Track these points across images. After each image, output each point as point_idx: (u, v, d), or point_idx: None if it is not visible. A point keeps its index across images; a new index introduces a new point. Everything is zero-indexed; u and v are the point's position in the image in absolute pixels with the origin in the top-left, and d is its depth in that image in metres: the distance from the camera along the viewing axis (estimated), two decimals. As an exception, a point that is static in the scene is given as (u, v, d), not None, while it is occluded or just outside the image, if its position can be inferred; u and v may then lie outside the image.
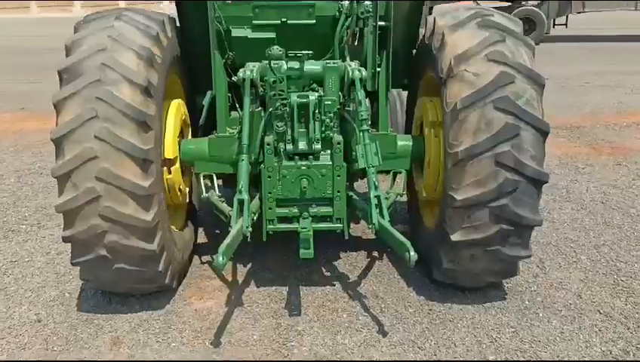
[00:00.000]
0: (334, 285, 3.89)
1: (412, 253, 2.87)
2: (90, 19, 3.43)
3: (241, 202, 3.19)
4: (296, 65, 3.52)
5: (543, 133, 3.20)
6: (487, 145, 3.14)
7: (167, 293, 3.74)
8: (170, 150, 3.59)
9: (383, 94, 3.84)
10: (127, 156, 3.07)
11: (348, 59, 3.73)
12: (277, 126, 3.44)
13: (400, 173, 3.86)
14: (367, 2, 3.63)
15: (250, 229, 3.19)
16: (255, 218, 3.42)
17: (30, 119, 8.83)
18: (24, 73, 13.28)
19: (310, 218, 3.52)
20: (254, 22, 3.75)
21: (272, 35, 3.77)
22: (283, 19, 3.73)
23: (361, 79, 3.44)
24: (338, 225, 3.56)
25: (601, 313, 3.53)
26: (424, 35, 3.77)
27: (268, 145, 3.44)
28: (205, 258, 4.27)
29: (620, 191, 5.58)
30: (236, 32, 3.77)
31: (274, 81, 3.44)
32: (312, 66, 3.63)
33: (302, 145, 3.48)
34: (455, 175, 3.25)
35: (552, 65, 12.92)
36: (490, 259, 3.38)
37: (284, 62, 3.47)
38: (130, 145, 3.06)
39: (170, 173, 3.62)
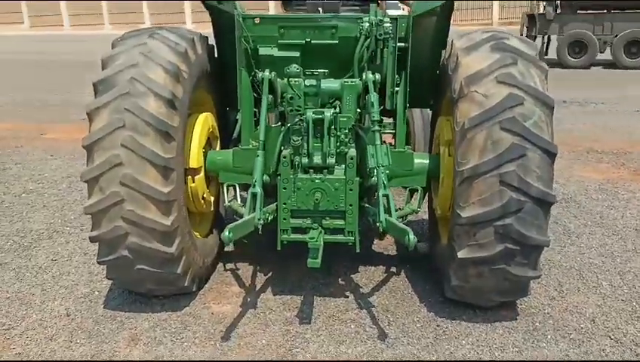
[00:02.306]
0: (347, 297, 4.00)
1: (411, 236, 2.99)
2: (127, 37, 3.70)
3: (254, 195, 3.38)
4: (313, 82, 3.69)
5: (551, 154, 3.23)
6: (492, 164, 3.20)
7: (188, 296, 3.94)
8: (194, 160, 3.81)
9: (400, 113, 3.95)
10: (149, 163, 3.30)
11: (367, 72, 3.85)
12: (293, 140, 3.61)
13: (417, 190, 3.96)
14: (386, 24, 3.77)
15: (262, 222, 3.35)
16: (269, 219, 3.59)
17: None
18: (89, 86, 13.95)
19: (322, 229, 3.66)
20: (280, 41, 3.95)
21: (297, 53, 3.96)
22: (307, 39, 3.92)
23: (374, 82, 3.60)
24: (350, 238, 3.68)
25: (611, 338, 3.50)
26: (444, 57, 3.87)
27: (284, 157, 3.60)
28: (229, 265, 4.46)
29: (657, 219, 5.46)
30: (263, 51, 3.97)
31: (291, 98, 3.61)
32: (330, 84, 3.79)
33: (316, 159, 3.63)
34: (462, 193, 3.32)
35: (603, 89, 12.68)
36: (496, 278, 3.41)
37: (302, 79, 3.65)
38: (152, 153, 3.29)
39: (194, 181, 3.84)
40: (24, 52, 25.88)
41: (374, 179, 3.80)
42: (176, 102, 3.44)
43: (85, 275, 4.33)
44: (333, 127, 3.64)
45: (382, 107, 4.05)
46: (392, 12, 5.77)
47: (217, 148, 4.29)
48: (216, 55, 4.24)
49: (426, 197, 4.25)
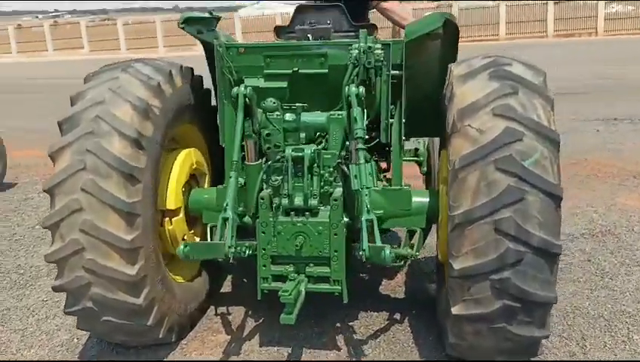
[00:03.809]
0: (340, 350, 3.64)
1: (387, 251, 2.92)
2: (101, 71, 3.49)
3: (225, 220, 3.15)
4: (295, 116, 3.38)
5: (555, 198, 2.80)
6: (486, 209, 2.80)
7: (170, 345, 3.67)
8: (171, 200, 3.56)
9: (396, 147, 3.59)
10: (111, 208, 3.05)
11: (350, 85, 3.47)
12: (272, 180, 3.31)
13: (415, 231, 3.57)
14: (377, 51, 3.42)
15: (233, 250, 3.14)
16: (246, 253, 3.37)
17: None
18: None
19: (305, 278, 3.32)
20: (266, 71, 3.66)
21: (284, 84, 3.66)
22: (295, 69, 3.62)
23: (357, 95, 3.26)
24: (336, 287, 3.33)
25: (636, 409, 3.01)
26: (445, 85, 3.50)
27: (262, 199, 3.30)
28: (221, 309, 4.17)
29: None
30: (248, 82, 3.69)
31: (268, 134, 3.32)
32: (316, 118, 3.48)
33: (298, 200, 3.31)
34: (454, 241, 2.93)
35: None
36: (496, 338, 2.99)
37: (281, 113, 3.35)
38: (113, 198, 3.05)
39: (171, 223, 3.58)
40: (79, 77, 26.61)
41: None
42: (144, 141, 3.20)
43: (70, 319, 4.10)
44: (316, 164, 3.33)
45: (377, 140, 3.71)
46: None
47: (206, 186, 4.03)
48: (204, 86, 3.99)
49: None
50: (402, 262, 3.47)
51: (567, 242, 5.22)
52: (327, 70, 3.60)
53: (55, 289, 3.24)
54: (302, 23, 3.89)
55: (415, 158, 4.82)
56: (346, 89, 3.32)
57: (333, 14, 3.87)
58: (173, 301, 3.53)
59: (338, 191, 3.32)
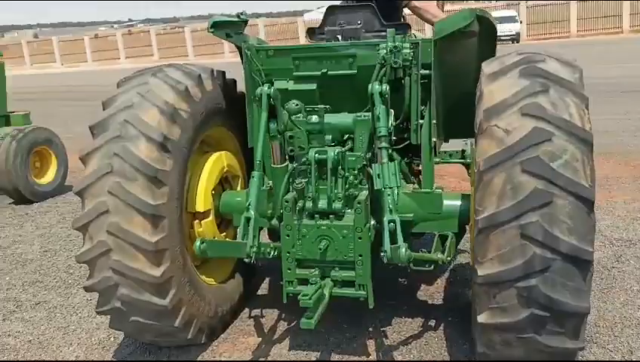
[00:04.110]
0: (370, 355, 3.56)
1: (402, 250, 2.89)
2: (133, 76, 3.56)
3: (247, 219, 3.18)
4: (320, 119, 3.34)
5: (587, 201, 2.63)
6: (511, 213, 2.67)
7: (200, 346, 3.69)
8: (200, 203, 3.59)
9: (426, 148, 3.48)
10: (136, 211, 3.10)
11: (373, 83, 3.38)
12: (296, 182, 3.28)
13: (448, 236, 3.45)
14: (405, 50, 3.34)
15: (255, 249, 3.17)
16: (271, 254, 3.40)
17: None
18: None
19: (331, 282, 3.27)
20: (295, 73, 3.64)
21: (313, 86, 3.63)
22: (324, 70, 3.58)
23: (380, 93, 3.21)
24: (361, 292, 3.26)
25: None
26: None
27: (286, 201, 3.27)
28: (256, 311, 4.17)
29: None
30: (278, 85, 3.68)
31: (290, 136, 3.29)
32: (342, 119, 3.43)
33: (322, 203, 3.26)
34: (479, 246, 2.81)
35: None
36: (526, 348, 2.84)
37: (304, 115, 3.32)
38: (139, 201, 3.09)
39: (201, 226, 3.60)
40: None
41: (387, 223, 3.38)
42: (170, 145, 3.23)
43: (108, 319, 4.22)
44: (340, 167, 3.27)
45: (408, 141, 3.61)
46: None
47: (239, 189, 4.04)
48: (238, 90, 4.00)
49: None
50: (432, 267, 3.35)
51: (624, 248, 4.94)
52: (356, 71, 3.54)
53: (86, 289, 3.32)
54: (332, 24, 3.84)
55: (462, 160, 4.69)
56: (370, 87, 3.25)
57: (364, 14, 3.80)
58: (202, 303, 3.55)
59: (363, 193, 3.25)
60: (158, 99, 3.28)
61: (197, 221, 3.62)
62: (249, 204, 3.24)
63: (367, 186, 3.33)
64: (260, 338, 3.84)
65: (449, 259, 3.41)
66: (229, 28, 3.62)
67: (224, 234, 3.88)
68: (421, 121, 3.50)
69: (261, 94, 3.38)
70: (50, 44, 54.97)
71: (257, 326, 3.99)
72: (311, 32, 4.05)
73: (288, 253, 3.31)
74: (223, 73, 3.86)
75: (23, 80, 32.71)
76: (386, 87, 3.24)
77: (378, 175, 3.10)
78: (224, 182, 3.97)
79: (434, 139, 3.49)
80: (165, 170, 3.19)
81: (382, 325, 3.89)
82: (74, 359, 3.73)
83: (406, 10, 4.53)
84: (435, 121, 3.49)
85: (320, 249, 3.23)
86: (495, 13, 39.61)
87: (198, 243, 2.96)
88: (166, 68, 3.57)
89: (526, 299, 2.70)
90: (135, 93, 3.33)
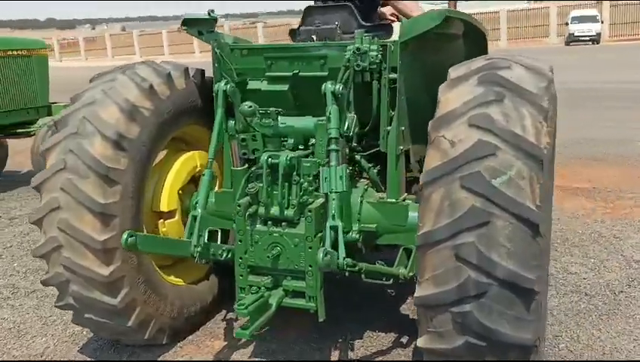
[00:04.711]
0: (329, 369, 3.43)
1: (339, 258, 2.77)
2: (105, 73, 3.57)
3: (194, 217, 3.14)
4: (279, 121, 3.23)
5: (530, 224, 2.39)
6: (447, 232, 2.46)
7: (165, 346, 3.67)
8: (164, 202, 3.56)
9: (392, 156, 3.29)
10: (86, 209, 3.09)
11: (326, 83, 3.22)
12: (249, 187, 3.18)
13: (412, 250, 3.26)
14: (372, 53, 3.16)
15: (199, 250, 3.14)
16: (224, 256, 3.33)
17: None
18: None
19: (281, 292, 3.16)
20: (267, 73, 3.54)
21: (285, 87, 3.52)
22: (295, 71, 3.45)
23: (333, 92, 3.06)
24: (311, 304, 3.12)
25: None
26: None
27: (239, 206, 3.18)
28: (232, 314, 4.10)
29: None
30: (251, 85, 3.60)
31: (243, 139, 3.19)
32: (301, 123, 3.30)
33: (274, 209, 3.15)
34: (418, 265, 2.62)
35: None
36: (467, 378, 2.63)
37: (258, 117, 3.21)
38: (88, 199, 3.08)
39: (165, 226, 3.57)
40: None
41: (354, 234, 3.23)
42: (127, 143, 3.20)
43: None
44: (295, 173, 3.15)
45: (378, 148, 3.43)
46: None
47: (216, 189, 3.98)
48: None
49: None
50: (390, 281, 3.18)
51: (634, 273, 4.55)
52: (327, 73, 3.40)
53: (43, 283, 3.35)
54: (309, 24, 3.71)
55: None
56: (323, 87, 3.10)
57: (342, 15, 3.65)
58: (162, 303, 3.51)
59: (318, 201, 3.11)
60: (119, 97, 3.27)
61: (162, 220, 3.59)
62: (196, 203, 3.19)
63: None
64: (226, 343, 3.77)
65: (411, 274, 3.22)
66: (200, 26, 3.56)
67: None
68: (389, 128, 3.31)
69: (217, 91, 3.29)
70: (132, 37, 57.15)
71: (228, 330, 3.92)
72: (293, 32, 3.94)
73: (240, 258, 3.22)
74: (202, 71, 3.81)
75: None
76: (340, 86, 3.09)
77: (325, 178, 2.96)
78: (198, 182, 3.91)
79: (401, 147, 3.30)
80: (119, 168, 3.17)
81: (352, 337, 3.74)
82: (43, 350, 3.79)
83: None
84: (403, 128, 3.30)
85: (271, 257, 3.13)
86: (574, 13, 37.95)
87: (125, 235, 2.87)
88: (139, 65, 3.56)
89: (460, 326, 2.49)
90: (99, 90, 3.33)
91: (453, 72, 2.89)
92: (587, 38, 35.87)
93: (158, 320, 3.50)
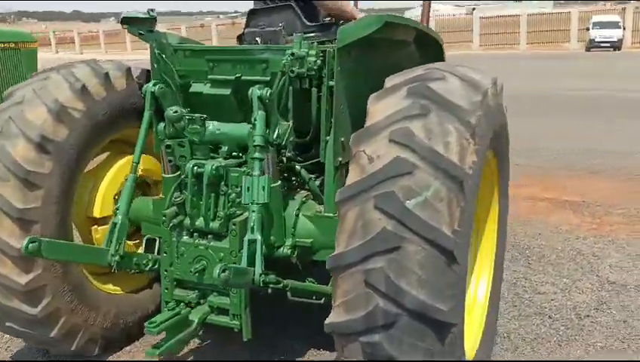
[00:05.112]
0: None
1: (255, 275, 2.60)
2: (44, 70, 3.44)
3: (114, 225, 3.01)
4: (209, 127, 3.07)
5: (443, 250, 2.21)
6: (358, 255, 2.28)
7: (96, 357, 3.53)
8: (98, 208, 3.42)
9: (330, 167, 3.10)
10: (3, 214, 2.97)
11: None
12: (174, 196, 3.02)
13: None
14: (310, 58, 2.98)
15: (117, 259, 3.01)
16: (149, 265, 3.23)
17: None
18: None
19: (206, 307, 3.01)
20: (209, 76, 3.37)
21: (227, 91, 3.35)
22: (237, 75, 3.29)
23: (260, 98, 2.88)
24: (234, 322, 2.96)
25: None
26: None
27: (164, 216, 3.03)
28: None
29: None
30: (194, 88, 3.44)
31: (167, 146, 3.04)
32: (235, 130, 3.13)
33: (199, 221, 2.99)
34: (333, 288, 2.45)
35: None
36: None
37: (185, 123, 3.05)
38: (7, 203, 2.95)
39: (98, 232, 3.43)
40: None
41: (287, 249, 3.06)
42: (52, 146, 3.06)
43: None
44: (223, 182, 2.99)
45: (319, 159, 3.25)
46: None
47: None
48: None
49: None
50: (321, 300, 3.02)
51: (613, 294, 4.33)
52: (269, 77, 3.23)
53: None
54: (254, 26, 3.54)
55: None
56: (250, 91, 2.93)
57: (286, 16, 3.47)
58: (92, 313, 3.37)
59: (246, 214, 2.94)
60: (49, 97, 3.14)
61: (95, 227, 3.45)
62: (117, 209, 3.05)
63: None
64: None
65: None
66: (139, 25, 3.40)
67: (136, 242, 3.68)
68: (328, 138, 3.13)
69: (145, 92, 3.13)
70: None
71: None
72: (240, 37, 3.77)
73: (166, 271, 3.07)
74: (147, 72, 3.65)
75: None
76: (267, 92, 2.90)
77: (248, 188, 2.79)
78: (146, 188, 3.77)
79: (340, 159, 3.11)
80: (41, 172, 3.03)
81: (295, 355, 3.57)
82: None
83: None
84: (343, 139, 3.11)
85: (196, 271, 2.97)
86: (596, 18, 37.24)
87: (26, 241, 2.68)
88: (78, 64, 3.44)
89: (370, 356, 2.31)
90: (31, 89, 3.20)
91: (389, 82, 2.71)
92: (608, 44, 35.17)
93: (88, 330, 3.36)
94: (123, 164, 3.56)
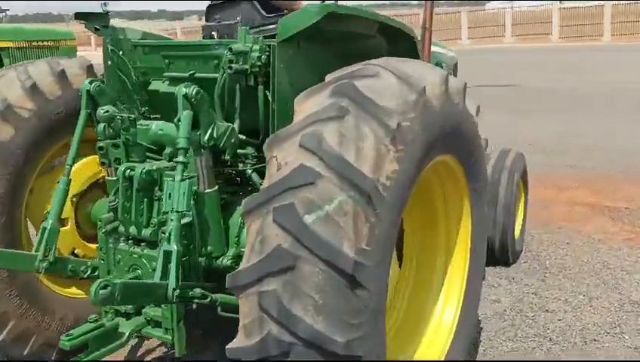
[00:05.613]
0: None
1: (169, 289, 2.38)
2: (7, 68, 3.38)
3: (44, 230, 2.86)
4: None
5: (342, 273, 1.92)
6: (253, 274, 2.03)
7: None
8: (55, 210, 3.32)
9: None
10: (-56, 216, 2.92)
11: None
12: (110, 201, 2.87)
13: None
14: (254, 54, 2.74)
15: (46, 265, 2.83)
16: (87, 272, 3.06)
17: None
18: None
19: (142, 319, 2.84)
20: (165, 74, 3.20)
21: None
22: (191, 72, 3.09)
23: (185, 96, 2.63)
24: (167, 336, 2.78)
25: None
26: None
27: (100, 221, 2.89)
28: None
29: None
30: (152, 85, 3.28)
31: (100, 147, 2.88)
32: (173, 131, 2.93)
33: (132, 228, 2.82)
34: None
35: None
36: None
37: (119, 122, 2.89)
38: (-54, 205, 2.90)
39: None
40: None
41: (227, 260, 2.84)
42: (-4, 147, 2.99)
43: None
44: (158, 187, 2.80)
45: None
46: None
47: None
48: None
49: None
50: None
51: (623, 317, 3.85)
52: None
53: None
54: (212, 20, 3.34)
55: None
56: (176, 89, 2.70)
57: (243, 9, 3.24)
58: (46, 316, 3.29)
59: (177, 222, 2.74)
60: None
61: (52, 229, 3.36)
62: (47, 213, 2.91)
63: (191, 212, 2.81)
64: (130, 358, 3.50)
65: None
66: (93, 20, 3.27)
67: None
68: None
69: (82, 91, 2.97)
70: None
71: (137, 346, 3.65)
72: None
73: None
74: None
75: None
76: (193, 89, 2.66)
77: (169, 194, 2.57)
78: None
79: None
80: (-15, 174, 2.96)
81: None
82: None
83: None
84: None
85: (135, 279, 2.81)
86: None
87: None
88: (38, 61, 3.36)
89: (266, 389, 2.06)
90: (-18, 87, 3.14)
91: (329, 78, 2.43)
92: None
93: (42, 334, 3.29)
94: (82, 164, 3.45)
